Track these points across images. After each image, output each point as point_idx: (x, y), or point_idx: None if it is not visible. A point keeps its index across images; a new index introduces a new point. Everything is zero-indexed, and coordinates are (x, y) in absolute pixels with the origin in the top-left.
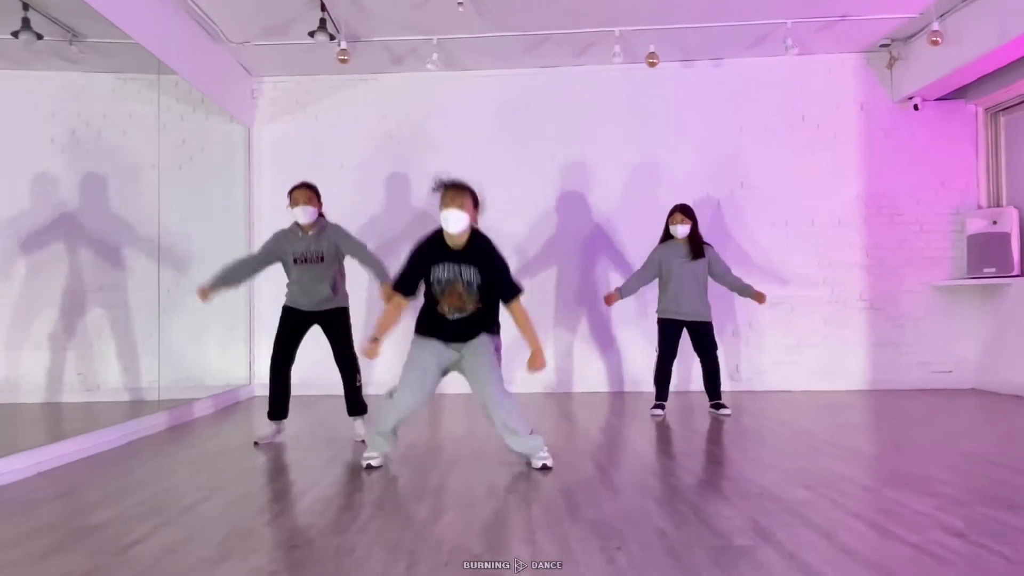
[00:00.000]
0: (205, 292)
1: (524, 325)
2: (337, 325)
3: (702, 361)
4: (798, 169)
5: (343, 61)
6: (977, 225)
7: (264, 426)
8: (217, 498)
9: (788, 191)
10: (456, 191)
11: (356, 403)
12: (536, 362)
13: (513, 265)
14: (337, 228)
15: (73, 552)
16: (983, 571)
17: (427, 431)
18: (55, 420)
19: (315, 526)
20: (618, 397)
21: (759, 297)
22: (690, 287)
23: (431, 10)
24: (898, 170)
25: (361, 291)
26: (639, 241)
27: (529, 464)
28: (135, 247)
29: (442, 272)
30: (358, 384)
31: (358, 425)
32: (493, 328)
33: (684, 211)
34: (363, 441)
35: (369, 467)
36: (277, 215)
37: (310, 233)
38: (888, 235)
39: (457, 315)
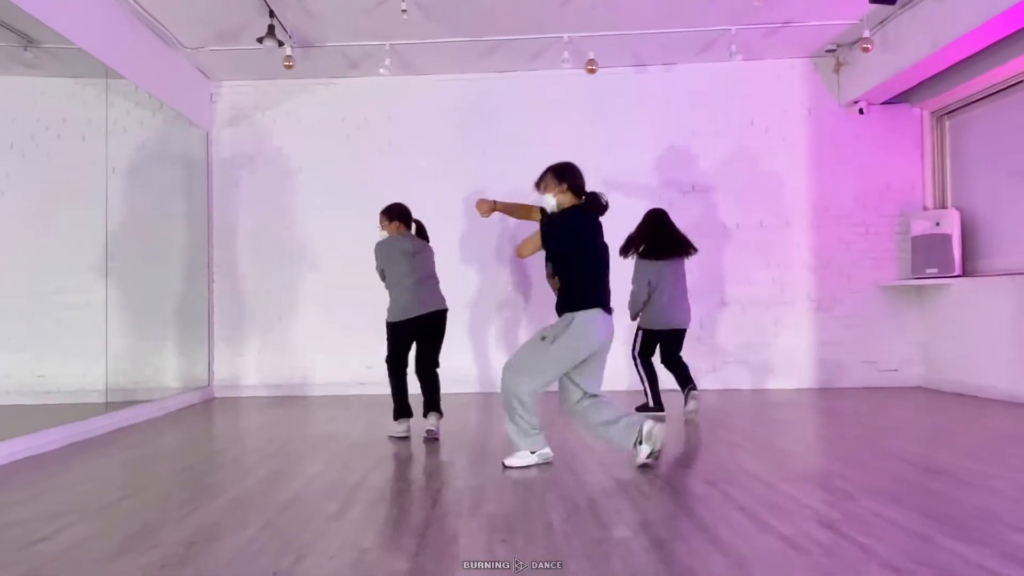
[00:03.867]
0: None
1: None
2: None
3: (675, 367)
4: (748, 172)
5: (288, 67)
6: (921, 227)
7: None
8: (137, 497)
9: (738, 193)
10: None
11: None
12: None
13: (473, 269)
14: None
15: None
16: (835, 560)
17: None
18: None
19: (220, 524)
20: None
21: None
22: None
23: (381, 16)
24: (845, 173)
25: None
26: None
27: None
28: (90, 250)
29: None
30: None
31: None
32: (563, 308)
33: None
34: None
35: None
36: (235, 213)
37: None
38: (835, 236)
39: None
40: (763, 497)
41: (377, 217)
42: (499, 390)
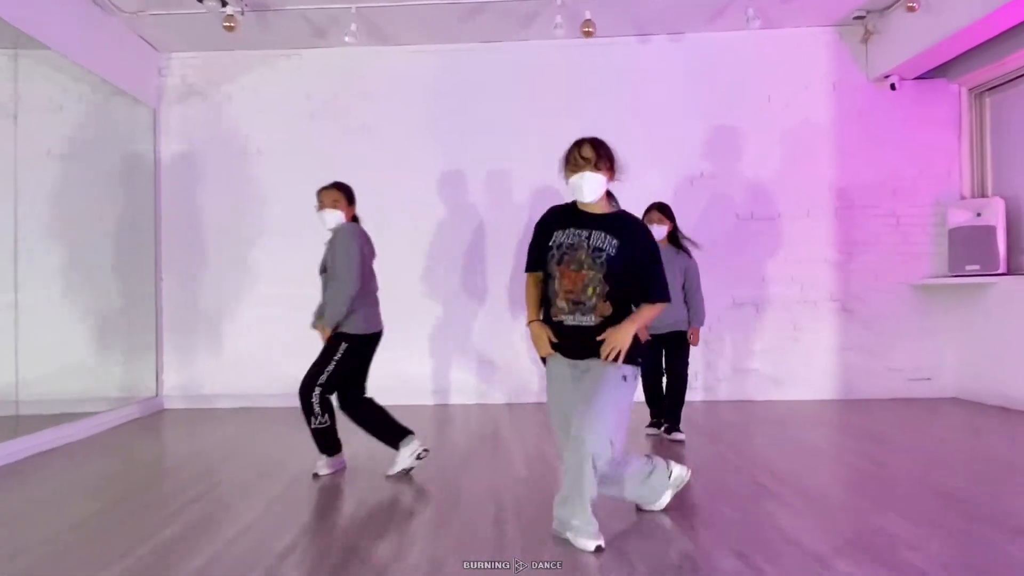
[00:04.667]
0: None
1: (637, 315)
2: (320, 351)
3: (669, 377)
4: (763, 155)
5: (228, 28)
6: (959, 217)
7: None
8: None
9: (752, 180)
10: (590, 148)
11: (316, 442)
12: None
13: (457, 255)
14: (335, 234)
15: None
16: None
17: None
18: None
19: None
20: None
21: (693, 337)
22: (678, 295)
23: None
24: (873, 157)
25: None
26: None
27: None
28: (27, 241)
29: (565, 236)
30: (313, 425)
31: (318, 460)
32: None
33: (662, 210)
34: (315, 475)
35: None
36: (186, 203)
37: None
38: (862, 229)
39: (575, 315)
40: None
41: (320, 195)
42: (573, 456)
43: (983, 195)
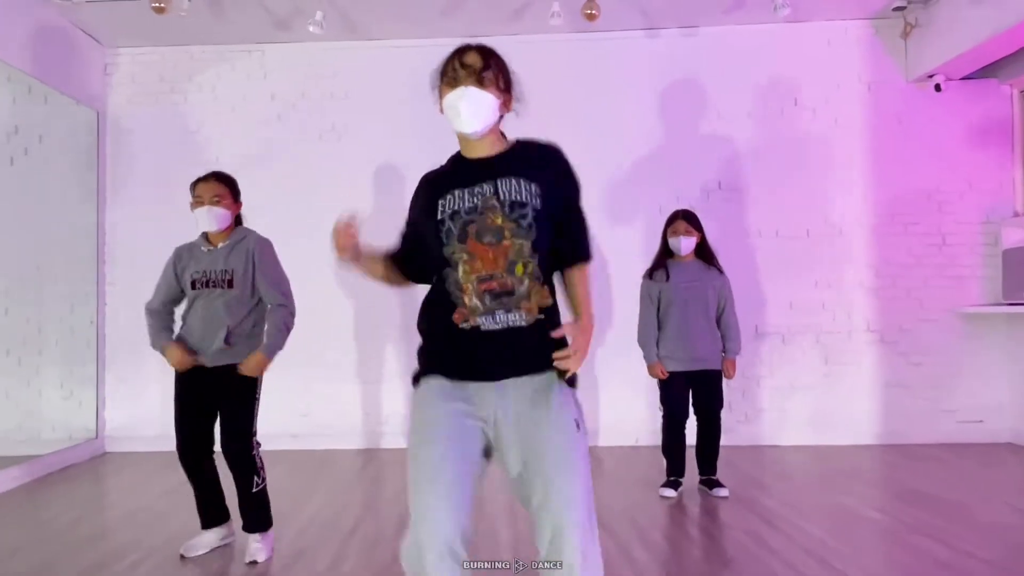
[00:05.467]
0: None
1: (583, 297)
2: (233, 393)
3: (700, 421)
4: (789, 165)
5: (158, 10)
6: (1015, 237)
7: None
8: None
9: (777, 193)
10: (476, 54)
11: (253, 514)
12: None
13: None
14: (263, 243)
15: None
16: None
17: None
18: None
19: None
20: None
21: (728, 369)
22: (698, 323)
23: None
24: (914, 167)
25: None
26: None
27: None
28: None
29: (460, 200)
30: (255, 488)
31: (252, 542)
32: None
33: (688, 219)
34: (253, 562)
35: None
36: (135, 216)
37: (219, 246)
38: (902, 249)
39: (497, 314)
40: None
41: (197, 189)
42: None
43: None
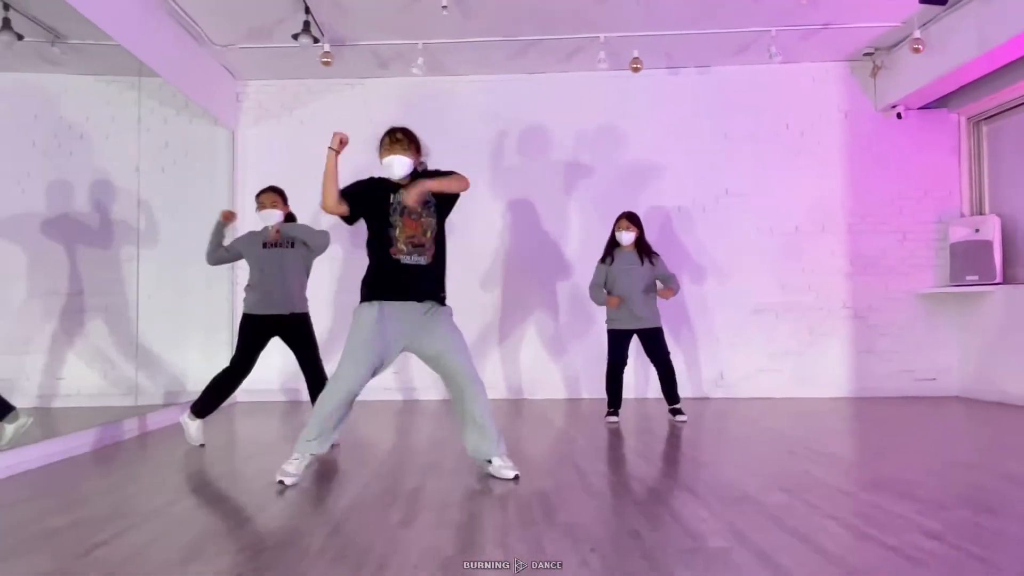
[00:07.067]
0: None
1: (441, 180)
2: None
3: (657, 368)
4: (782, 176)
5: (326, 64)
6: (960, 233)
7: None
8: (185, 502)
9: (772, 198)
10: (402, 134)
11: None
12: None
13: (495, 273)
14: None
15: (36, 554)
16: (958, 573)
17: (399, 436)
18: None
19: (285, 528)
20: (573, 404)
21: (664, 294)
22: (637, 295)
23: (417, 13)
24: (881, 178)
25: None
26: None
27: (490, 473)
28: (115, 251)
29: (398, 197)
30: None
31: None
32: (443, 297)
33: (630, 218)
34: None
35: (282, 484)
36: (258, 219)
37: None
38: (872, 243)
39: (414, 257)
40: (847, 506)
41: (260, 198)
42: (478, 398)
43: (981, 213)
